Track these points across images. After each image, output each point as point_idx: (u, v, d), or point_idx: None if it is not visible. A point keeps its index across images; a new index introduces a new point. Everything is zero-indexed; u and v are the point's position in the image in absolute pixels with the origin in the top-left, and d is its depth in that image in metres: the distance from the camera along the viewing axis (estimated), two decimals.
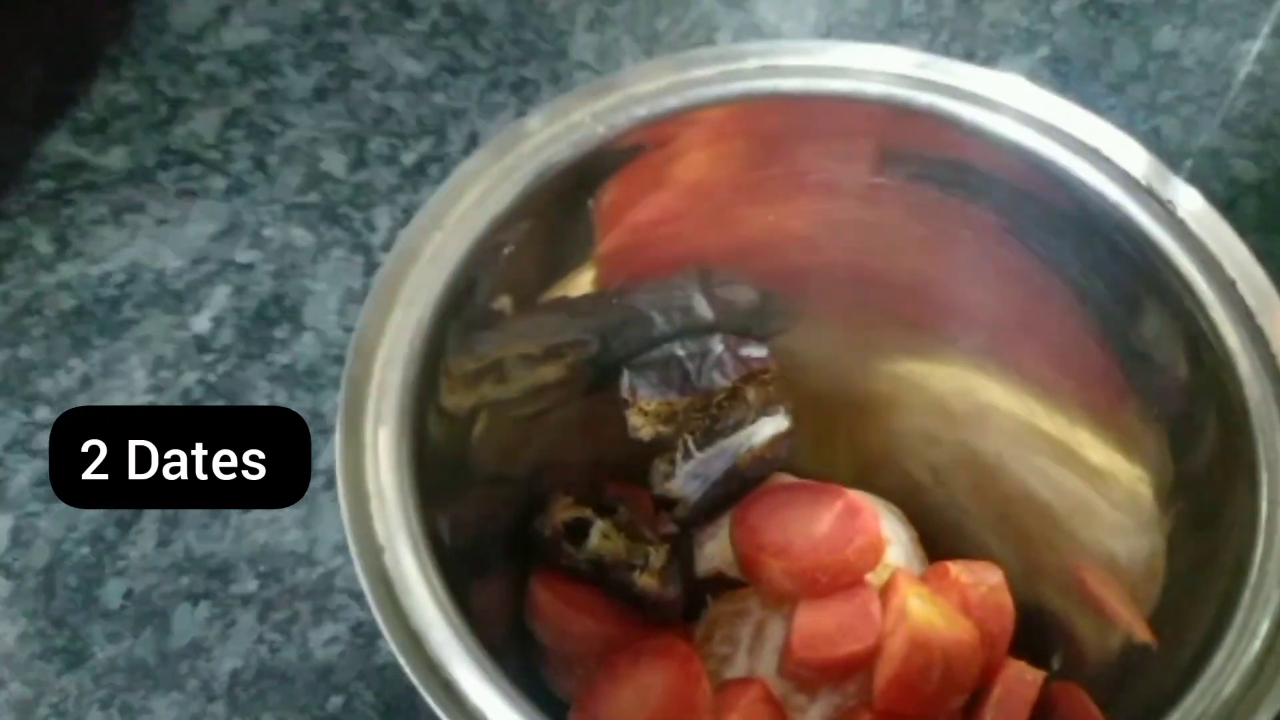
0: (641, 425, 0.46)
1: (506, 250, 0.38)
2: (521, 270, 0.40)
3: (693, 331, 0.47)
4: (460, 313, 0.37)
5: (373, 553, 0.33)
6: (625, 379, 0.46)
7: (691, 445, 0.47)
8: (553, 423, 0.46)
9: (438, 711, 0.31)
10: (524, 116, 0.40)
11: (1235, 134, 0.65)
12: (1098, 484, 0.44)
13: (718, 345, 0.47)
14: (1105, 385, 0.42)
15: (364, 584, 0.32)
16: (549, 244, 0.41)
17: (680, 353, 0.47)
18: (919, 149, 0.41)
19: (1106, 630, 0.43)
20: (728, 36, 0.67)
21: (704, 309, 0.47)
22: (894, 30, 0.68)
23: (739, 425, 0.48)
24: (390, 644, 0.31)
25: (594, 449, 0.48)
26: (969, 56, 0.67)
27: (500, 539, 0.44)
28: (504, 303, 0.40)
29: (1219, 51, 0.68)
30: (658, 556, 0.43)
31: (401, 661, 0.31)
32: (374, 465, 0.34)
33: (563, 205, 0.40)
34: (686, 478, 0.47)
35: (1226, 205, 0.41)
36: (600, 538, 0.44)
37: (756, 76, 0.40)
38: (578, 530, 0.44)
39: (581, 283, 0.43)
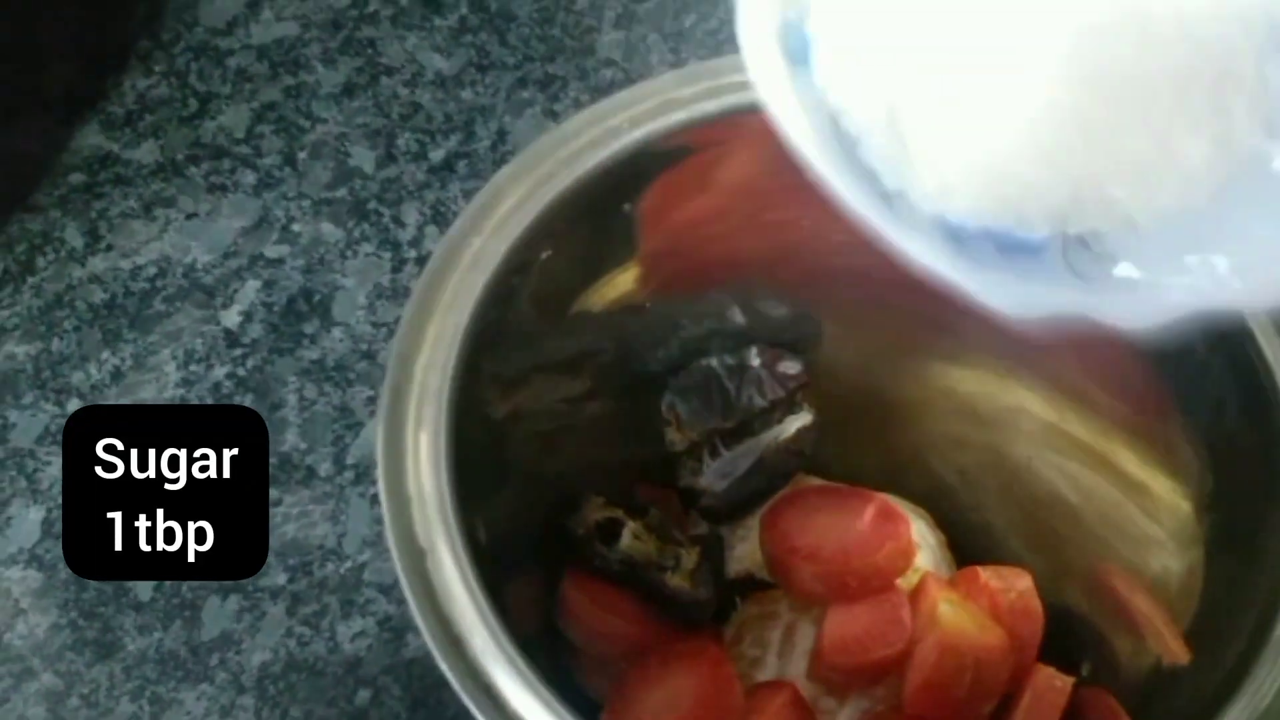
0: (679, 441, 0.47)
1: (544, 255, 0.39)
2: (559, 275, 0.40)
3: (723, 336, 0.48)
4: (499, 319, 0.38)
5: (415, 556, 0.33)
6: (667, 399, 0.47)
7: (720, 444, 0.47)
8: (586, 426, 0.46)
9: (478, 715, 0.31)
10: (558, 119, 0.40)
11: None
12: (1131, 493, 0.44)
13: (754, 359, 0.47)
14: (1141, 396, 0.42)
15: (406, 588, 0.32)
16: (586, 249, 0.41)
17: (717, 368, 0.47)
18: None
19: (1136, 637, 0.43)
20: None
21: (737, 318, 0.47)
22: None
23: (766, 425, 0.48)
24: (431, 648, 0.32)
25: (626, 451, 0.48)
26: None
27: (533, 540, 0.45)
28: (535, 314, 0.40)
29: None
30: (689, 558, 0.44)
31: (443, 666, 0.32)
32: (415, 468, 0.34)
33: (599, 210, 0.40)
34: (714, 475, 0.47)
35: None
36: (632, 538, 0.44)
37: None
38: (610, 531, 0.44)
39: (618, 287, 0.43)
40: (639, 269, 0.43)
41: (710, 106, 0.40)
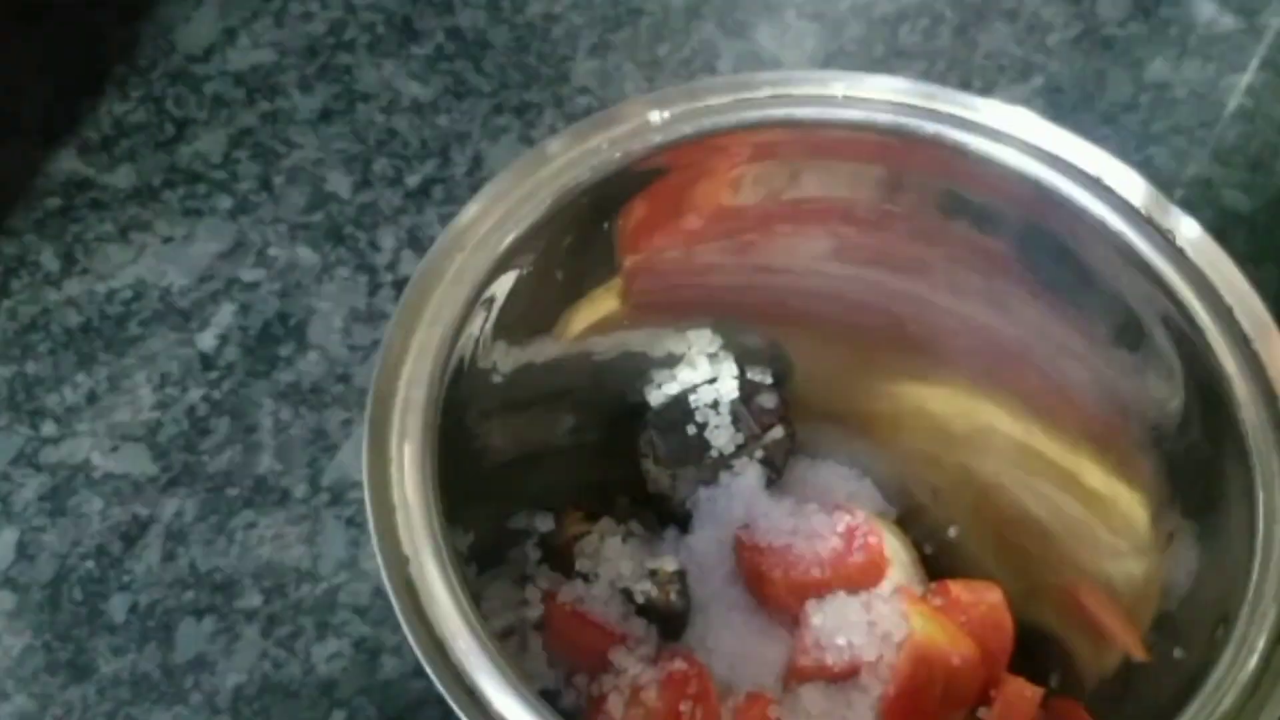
0: (655, 471, 0.48)
1: (525, 271, 0.39)
2: (540, 291, 0.41)
3: (697, 365, 0.49)
4: (481, 333, 0.38)
5: (398, 563, 0.33)
6: (645, 435, 0.48)
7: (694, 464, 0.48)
8: (566, 448, 0.47)
9: (463, 718, 0.31)
10: (532, 140, 0.41)
11: (1226, 165, 0.66)
12: (1095, 507, 0.45)
13: (732, 391, 0.48)
14: (1104, 410, 0.43)
15: (390, 593, 0.33)
16: (567, 267, 0.42)
17: (695, 403, 0.48)
18: (927, 177, 0.42)
19: (1103, 648, 0.44)
20: (728, 64, 0.68)
21: (712, 345, 0.49)
22: (891, 59, 0.69)
23: (739, 455, 0.49)
24: (416, 651, 0.32)
25: (605, 471, 0.49)
26: (964, 86, 0.68)
27: (513, 550, 0.45)
28: (516, 332, 0.41)
29: (1209, 84, 0.69)
30: (666, 570, 0.44)
31: (427, 668, 0.32)
32: (399, 478, 0.34)
33: (580, 229, 0.41)
34: (687, 483, 0.48)
35: (1217, 235, 0.42)
36: (610, 551, 0.45)
37: (769, 105, 0.41)
38: (588, 543, 0.45)
39: (599, 305, 0.44)
40: (618, 288, 0.44)
41: (687, 128, 0.41)
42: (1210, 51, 0.70)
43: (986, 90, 0.68)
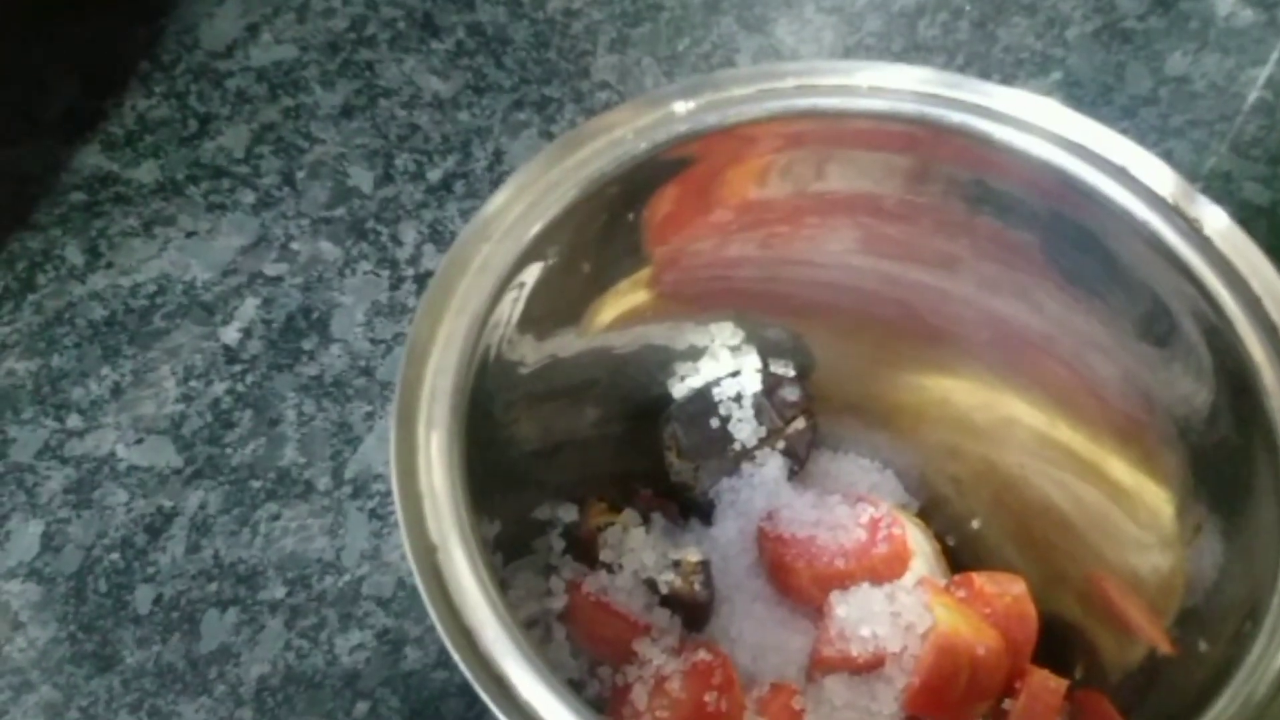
0: (678, 464, 0.48)
1: (551, 261, 0.39)
2: (567, 281, 0.41)
3: (720, 358, 0.49)
4: (508, 323, 0.38)
5: (426, 551, 0.33)
6: (669, 428, 0.48)
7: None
8: (591, 441, 0.47)
9: (491, 706, 0.32)
10: (553, 135, 0.41)
11: (1245, 158, 0.66)
12: (1120, 499, 0.45)
13: (755, 384, 0.48)
14: (1128, 401, 0.43)
15: (418, 580, 0.33)
16: (593, 258, 0.42)
17: (718, 396, 0.48)
18: (951, 167, 0.42)
19: (1128, 640, 0.44)
20: (747, 59, 0.68)
21: (735, 338, 0.49)
22: (910, 53, 0.69)
23: (763, 443, 0.49)
24: (444, 640, 0.32)
25: (629, 463, 0.49)
26: (984, 80, 0.68)
27: (537, 541, 0.45)
28: (541, 324, 0.41)
29: (1229, 77, 0.69)
30: (690, 560, 0.44)
31: (455, 657, 0.32)
32: (426, 467, 0.34)
33: (607, 219, 0.41)
34: (709, 476, 0.49)
35: None
36: (634, 541, 0.45)
37: (794, 95, 0.41)
38: (611, 534, 0.45)
39: (625, 297, 0.44)
40: (644, 280, 0.44)
41: (712, 118, 0.41)
42: (1230, 45, 0.70)
43: (1005, 84, 0.68)
